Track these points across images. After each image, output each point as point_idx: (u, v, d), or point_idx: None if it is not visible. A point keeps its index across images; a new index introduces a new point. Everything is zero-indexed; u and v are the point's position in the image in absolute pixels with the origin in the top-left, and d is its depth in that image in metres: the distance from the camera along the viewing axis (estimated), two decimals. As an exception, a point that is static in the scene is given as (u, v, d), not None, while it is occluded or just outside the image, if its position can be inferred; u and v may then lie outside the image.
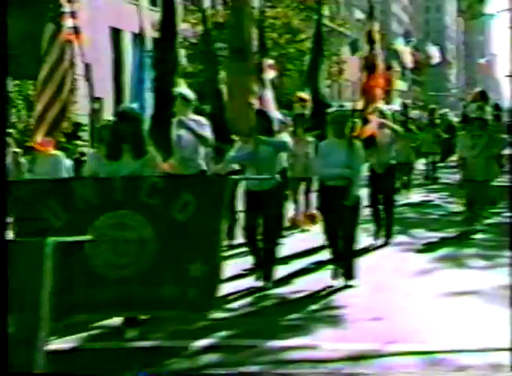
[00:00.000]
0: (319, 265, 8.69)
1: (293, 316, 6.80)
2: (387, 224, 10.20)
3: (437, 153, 19.04)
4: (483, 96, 13.18)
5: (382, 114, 9.93)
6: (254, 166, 7.79)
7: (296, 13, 29.02)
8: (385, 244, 10.01)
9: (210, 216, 5.31)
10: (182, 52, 26.55)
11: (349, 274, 7.75)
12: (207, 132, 8.05)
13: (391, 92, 50.78)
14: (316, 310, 7.02)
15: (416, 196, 15.66)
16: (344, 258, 7.81)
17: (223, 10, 28.93)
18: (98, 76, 25.58)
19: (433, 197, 15.86)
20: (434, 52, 79.44)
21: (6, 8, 5.61)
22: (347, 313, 6.82)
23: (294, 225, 11.25)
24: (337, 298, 7.38)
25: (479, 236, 10.65)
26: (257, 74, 8.45)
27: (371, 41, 9.56)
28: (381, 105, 9.97)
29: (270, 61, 9.14)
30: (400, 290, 7.65)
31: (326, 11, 37.85)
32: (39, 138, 8.51)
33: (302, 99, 10.93)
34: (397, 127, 10.61)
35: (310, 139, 10.83)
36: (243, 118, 7.72)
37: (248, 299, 7.45)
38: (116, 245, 5.24)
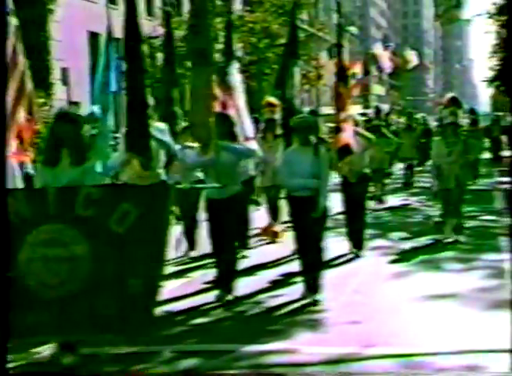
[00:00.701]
0: (289, 277, 8.38)
1: (272, 320, 6.79)
2: (359, 234, 9.78)
3: (414, 157, 18.75)
4: (455, 101, 12.66)
5: (354, 121, 9.68)
6: (214, 173, 7.34)
7: (275, 18, 29.07)
8: (357, 256, 9.60)
9: (151, 227, 5.01)
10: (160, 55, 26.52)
11: (313, 288, 7.35)
12: (167, 138, 7.75)
13: (369, 96, 50.99)
14: (295, 314, 7.00)
15: (394, 200, 15.66)
16: (310, 271, 7.43)
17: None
18: (75, 80, 25.68)
19: (411, 201, 15.87)
20: (411, 57, 79.88)
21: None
22: (326, 317, 6.82)
23: (267, 234, 10.74)
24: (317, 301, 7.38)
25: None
26: (224, 77, 8.10)
27: (339, 46, 9.33)
28: (356, 110, 9.94)
29: (237, 64, 8.86)
30: (378, 293, 7.67)
31: (304, 15, 37.97)
32: (13, 147, 7.38)
33: (271, 104, 10.30)
34: (369, 134, 10.18)
35: (281, 145, 9.87)
36: (204, 123, 7.45)
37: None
38: (48, 263, 4.91)
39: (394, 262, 9.41)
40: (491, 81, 42.63)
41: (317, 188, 7.21)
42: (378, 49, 51.57)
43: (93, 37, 28.25)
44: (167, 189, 5.28)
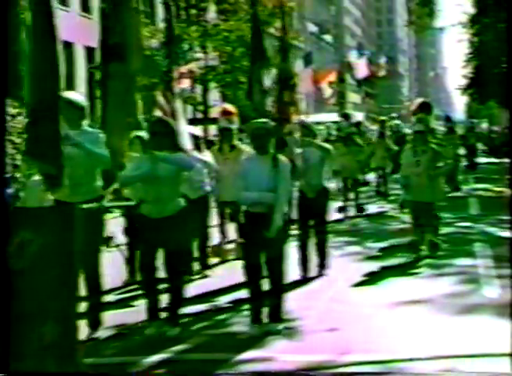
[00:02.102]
0: (238, 304, 7.56)
1: (249, 328, 6.78)
2: (320, 254, 8.99)
3: (387, 166, 17.77)
4: (425, 108, 11.42)
5: (309, 131, 9.01)
6: (152, 188, 6.49)
7: (250, 26, 29.10)
8: (320, 276, 8.90)
9: (57, 258, 4.24)
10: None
11: (275, 316, 6.62)
12: (102, 149, 6.47)
13: (345, 104, 51.25)
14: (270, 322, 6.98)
15: (371, 207, 15.67)
16: (270, 297, 6.65)
17: (176, 23, 28.92)
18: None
19: (387, 208, 15.78)
20: (386, 65, 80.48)
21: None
22: (302, 325, 6.82)
23: (217, 254, 9.69)
24: (292, 310, 7.37)
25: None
26: (167, 82, 7.49)
27: (284, 50, 8.84)
28: (327, 118, 9.72)
29: (184, 69, 8.29)
30: (353, 300, 7.70)
31: (278, 24, 38.06)
32: None
33: (227, 112, 9.43)
34: (326, 145, 9.36)
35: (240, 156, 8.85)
36: (121, 131, 6.63)
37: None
38: None
39: (369, 264, 9.45)
40: (465, 89, 43.01)
41: (274, 203, 6.37)
42: (353, 57, 52.02)
43: (67, 46, 28.16)
44: (70, 211, 4.58)
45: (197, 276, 8.78)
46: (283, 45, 8.86)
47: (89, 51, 29.81)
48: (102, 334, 6.48)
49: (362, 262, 9.76)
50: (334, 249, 10.51)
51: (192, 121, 27.53)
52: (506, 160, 28.35)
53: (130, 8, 6.79)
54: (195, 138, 8.48)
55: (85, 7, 30.74)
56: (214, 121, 20.75)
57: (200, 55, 27.28)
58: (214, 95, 31.00)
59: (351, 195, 14.75)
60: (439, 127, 18.78)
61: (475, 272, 8.92)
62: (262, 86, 8.24)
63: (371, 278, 9.07)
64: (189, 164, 6.86)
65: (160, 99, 7.27)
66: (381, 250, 10.61)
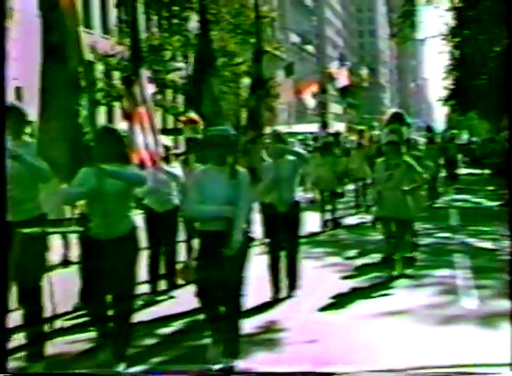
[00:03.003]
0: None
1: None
2: (290, 274, 8.41)
3: (366, 177, 16.58)
4: (398, 118, 10.58)
5: (280, 140, 8.51)
6: (98, 206, 5.78)
7: (232, 37, 29.22)
8: (289, 297, 8.37)
9: None
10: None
11: (232, 352, 5.96)
12: (40, 161, 5.83)
13: (326, 115, 51.46)
14: (252, 334, 6.99)
15: (351, 219, 15.70)
16: (226, 329, 5.99)
17: (158, 33, 28.97)
18: (30, 99, 25.41)
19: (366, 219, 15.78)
20: (368, 76, 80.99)
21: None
22: (283, 336, 6.82)
23: (183, 275, 8.88)
24: (273, 321, 7.37)
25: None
26: (128, 88, 7.00)
27: (257, 60, 8.19)
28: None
29: (147, 73, 7.68)
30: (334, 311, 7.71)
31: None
32: None
33: (193, 121, 8.90)
34: (300, 150, 8.98)
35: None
36: (57, 141, 5.82)
37: (181, 324, 7.36)
38: None
39: (348, 278, 9.42)
40: (445, 100, 43.36)
41: (233, 218, 5.81)
42: (335, 68, 52.28)
43: None
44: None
45: (163, 297, 8.40)
46: (256, 47, 8.38)
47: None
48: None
49: (342, 274, 9.76)
50: (314, 260, 10.58)
51: (171, 131, 27.54)
52: (487, 171, 28.62)
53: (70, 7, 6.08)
54: (165, 148, 7.92)
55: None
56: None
57: (181, 64, 27.32)
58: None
59: (329, 207, 14.42)
60: (419, 138, 18.79)
61: (454, 283, 8.95)
62: (213, 95, 7.61)
63: (361, 267, 9.45)
64: (141, 178, 6.12)
65: (126, 105, 6.83)
66: (360, 265, 10.42)
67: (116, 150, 5.93)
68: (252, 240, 6.20)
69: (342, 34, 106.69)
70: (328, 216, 14.43)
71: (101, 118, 29.94)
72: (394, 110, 10.79)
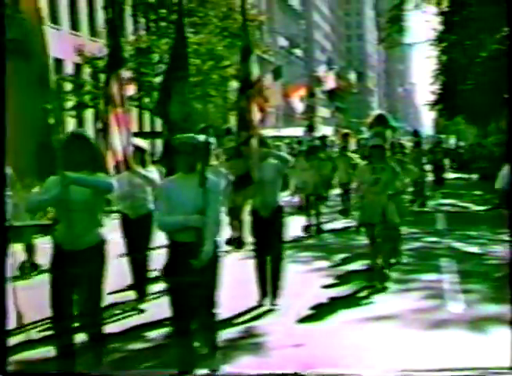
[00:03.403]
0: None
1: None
2: (274, 282, 8.14)
3: (351, 181, 14.72)
4: (381, 120, 10.00)
5: (263, 143, 8.09)
6: (64, 215, 5.56)
7: (219, 40, 29.19)
8: (272, 307, 8.05)
9: None
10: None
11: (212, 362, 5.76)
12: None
13: (314, 118, 51.56)
14: (237, 338, 6.95)
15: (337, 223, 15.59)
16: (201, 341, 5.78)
17: (146, 35, 28.91)
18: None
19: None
20: (356, 80, 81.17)
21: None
22: (268, 341, 6.79)
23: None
24: (258, 326, 7.34)
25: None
26: (106, 88, 6.94)
27: (245, 59, 7.79)
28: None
29: (127, 73, 7.24)
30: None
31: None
32: None
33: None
34: (283, 154, 8.79)
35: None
36: (25, 149, 5.87)
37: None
38: None
39: (330, 287, 9.30)
40: (432, 105, 43.49)
41: (203, 228, 5.52)
42: (323, 72, 52.31)
43: (57, 62, 28.23)
44: None
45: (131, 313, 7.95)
46: (244, 46, 7.83)
47: (57, 62, 29.68)
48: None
49: (329, 278, 9.73)
50: (301, 264, 10.56)
51: (149, 134, 27.48)
52: (474, 175, 28.72)
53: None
54: (140, 151, 7.93)
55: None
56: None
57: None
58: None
59: (313, 212, 14.03)
60: (406, 142, 18.75)
61: (441, 287, 8.95)
62: (183, 97, 6.91)
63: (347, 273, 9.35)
64: (107, 185, 5.78)
65: (103, 107, 6.67)
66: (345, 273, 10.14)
67: (84, 157, 5.67)
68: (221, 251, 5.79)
69: (330, 38, 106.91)
70: (313, 221, 14.03)
71: (89, 121, 29.84)
72: (378, 112, 10.23)
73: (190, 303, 5.58)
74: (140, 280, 8.27)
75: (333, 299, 8.46)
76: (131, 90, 7.27)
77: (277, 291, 8.15)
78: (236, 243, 11.69)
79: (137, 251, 8.22)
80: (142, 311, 7.91)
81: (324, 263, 10.84)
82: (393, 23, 28.74)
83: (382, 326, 7.25)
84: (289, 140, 26.82)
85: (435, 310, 7.87)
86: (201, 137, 5.87)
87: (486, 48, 25.32)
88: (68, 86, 27.60)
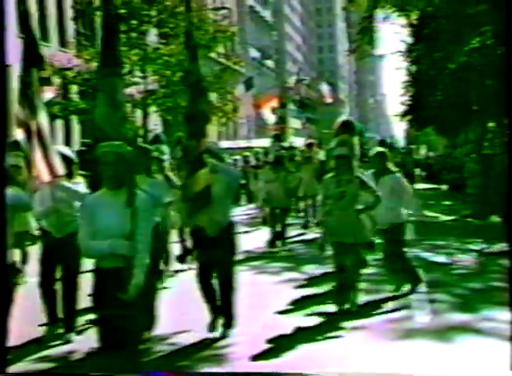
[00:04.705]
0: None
1: (180, 355, 6.68)
2: (224, 309, 7.35)
3: (317, 193, 14.41)
4: (347, 127, 8.91)
5: (213, 155, 7.35)
6: None
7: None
8: (223, 337, 7.27)
9: None
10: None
11: None
12: None
13: (286, 129, 51.65)
14: (201, 350, 6.91)
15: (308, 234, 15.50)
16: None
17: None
18: None
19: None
20: (327, 91, 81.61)
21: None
22: (230, 352, 6.76)
23: None
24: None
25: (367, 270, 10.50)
26: (26, 94, 6.33)
27: (194, 58, 7.07)
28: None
29: (44, 74, 6.57)
30: (288, 326, 7.66)
31: (220, 49, 38.29)
32: None
33: None
34: (233, 169, 7.91)
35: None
36: None
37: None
38: None
39: (304, 290, 9.35)
40: (403, 116, 43.80)
41: (130, 254, 4.82)
42: (293, 83, 52.55)
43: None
44: None
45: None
46: (188, 40, 7.09)
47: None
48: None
49: (297, 289, 9.70)
50: (269, 274, 10.55)
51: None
52: (444, 186, 28.95)
53: None
54: (66, 161, 7.15)
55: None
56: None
57: (139, 79, 27.17)
58: (154, 120, 30.88)
59: (279, 224, 13.38)
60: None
61: (410, 297, 8.97)
62: (112, 98, 5.74)
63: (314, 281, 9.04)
64: (22, 201, 5.37)
65: (20, 113, 6.11)
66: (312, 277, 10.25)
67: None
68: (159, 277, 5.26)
69: (302, 50, 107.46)
70: (278, 234, 13.39)
71: (59, 132, 29.64)
72: (343, 118, 8.94)
73: (119, 336, 4.86)
74: (69, 311, 7.31)
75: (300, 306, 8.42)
76: (50, 93, 6.44)
77: (231, 321, 7.33)
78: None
79: (64, 274, 7.30)
80: (69, 342, 7.13)
81: (293, 274, 10.83)
82: (363, 35, 28.92)
83: (350, 336, 7.24)
84: (256, 150, 26.69)
85: (403, 320, 7.88)
86: (127, 146, 5.06)
87: (455, 60, 25.57)
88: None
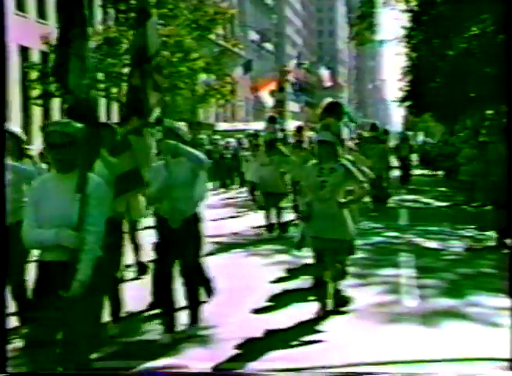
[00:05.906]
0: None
1: (163, 335, 6.66)
2: (192, 307, 6.77)
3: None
4: (332, 110, 7.76)
5: (176, 135, 6.60)
6: None
7: (188, 32, 29.12)
8: (189, 337, 6.66)
9: None
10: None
11: None
12: None
13: (284, 113, 51.52)
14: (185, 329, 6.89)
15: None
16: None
17: (115, 26, 28.70)
18: None
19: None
20: (326, 75, 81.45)
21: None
22: (217, 333, 6.76)
23: None
24: (207, 318, 7.28)
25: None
26: None
27: (140, 23, 6.15)
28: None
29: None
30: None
31: (219, 30, 38.16)
32: None
33: None
34: (197, 153, 6.60)
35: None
36: None
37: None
38: None
39: (290, 276, 9.29)
40: (401, 102, 43.74)
41: (78, 246, 4.28)
42: (293, 66, 52.45)
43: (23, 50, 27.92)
44: None
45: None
46: (140, 7, 6.27)
47: (23, 50, 29.36)
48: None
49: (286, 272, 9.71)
50: (260, 257, 10.57)
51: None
52: (440, 172, 28.95)
53: None
54: (14, 139, 6.60)
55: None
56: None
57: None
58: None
59: (273, 210, 12.80)
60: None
61: (398, 282, 9.00)
62: (84, 62, 5.05)
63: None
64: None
65: None
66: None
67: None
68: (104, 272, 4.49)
69: (302, 33, 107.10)
70: (273, 220, 12.87)
71: (55, 110, 29.58)
72: (328, 99, 8.05)
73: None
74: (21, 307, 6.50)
75: (287, 291, 8.35)
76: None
77: (196, 320, 6.78)
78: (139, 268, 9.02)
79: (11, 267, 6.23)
80: None
81: (284, 256, 10.84)
82: (363, 20, 28.82)
83: (339, 319, 7.25)
84: (248, 133, 26.19)
85: (391, 304, 7.90)
86: (78, 125, 4.50)
87: (454, 47, 25.51)
88: (34, 75, 27.33)
